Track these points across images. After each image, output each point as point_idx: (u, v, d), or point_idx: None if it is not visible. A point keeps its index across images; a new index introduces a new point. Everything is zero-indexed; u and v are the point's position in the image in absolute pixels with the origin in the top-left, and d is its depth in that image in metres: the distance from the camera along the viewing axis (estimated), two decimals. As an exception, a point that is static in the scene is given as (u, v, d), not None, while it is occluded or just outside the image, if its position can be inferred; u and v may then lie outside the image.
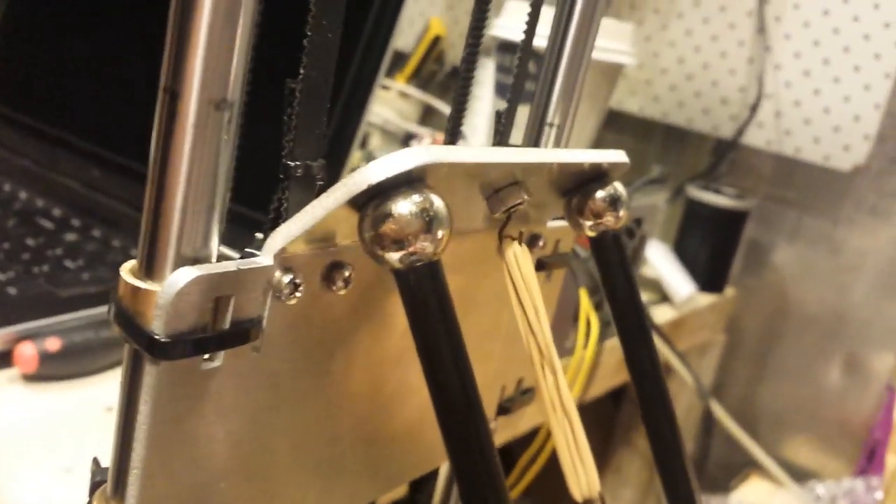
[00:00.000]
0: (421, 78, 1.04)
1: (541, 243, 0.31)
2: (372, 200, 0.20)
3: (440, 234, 0.21)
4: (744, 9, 0.90)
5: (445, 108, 0.97)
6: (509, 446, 0.63)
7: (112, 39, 0.69)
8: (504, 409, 0.33)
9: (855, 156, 0.86)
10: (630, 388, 0.86)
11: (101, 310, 0.45)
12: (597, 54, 0.32)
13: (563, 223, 0.31)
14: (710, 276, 0.87)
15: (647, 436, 0.30)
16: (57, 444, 0.37)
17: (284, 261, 0.21)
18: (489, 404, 0.33)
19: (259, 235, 0.22)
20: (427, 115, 1.01)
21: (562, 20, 0.31)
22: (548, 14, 0.30)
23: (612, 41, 0.77)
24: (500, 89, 0.82)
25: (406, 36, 1.06)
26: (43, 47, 0.74)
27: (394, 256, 0.21)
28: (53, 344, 0.41)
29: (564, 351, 0.61)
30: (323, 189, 0.22)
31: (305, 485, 0.25)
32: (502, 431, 0.34)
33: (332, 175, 0.53)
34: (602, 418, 0.91)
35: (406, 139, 0.90)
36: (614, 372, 0.67)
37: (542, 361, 0.26)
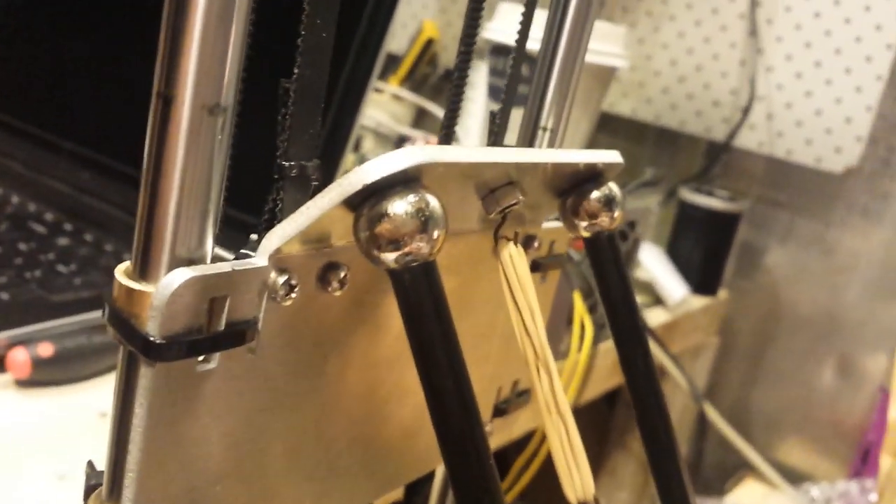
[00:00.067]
0: (414, 81, 1.04)
1: (536, 244, 0.31)
2: (367, 200, 0.20)
3: (436, 234, 0.21)
4: (736, 11, 0.91)
5: (438, 111, 0.98)
6: (504, 450, 0.63)
7: (104, 43, 0.69)
8: (500, 410, 0.33)
9: (847, 158, 0.86)
10: (624, 391, 0.86)
11: (94, 315, 0.45)
12: (589, 57, 0.32)
13: (557, 224, 0.31)
14: (703, 279, 0.87)
15: (642, 438, 0.30)
16: (50, 450, 0.36)
17: (279, 261, 0.21)
18: (485, 406, 0.33)
19: (254, 237, 0.22)
20: (420, 118, 1.01)
21: (555, 23, 0.31)
22: (540, 17, 0.30)
23: (605, 44, 0.77)
24: (493, 92, 0.82)
25: (399, 38, 1.06)
26: (35, 51, 0.74)
27: (389, 257, 0.21)
28: (46, 349, 0.40)
29: (559, 354, 0.61)
30: (318, 190, 0.22)
31: (301, 487, 0.25)
32: (498, 433, 0.34)
33: (326, 178, 0.53)
34: (597, 421, 0.91)
35: (399, 142, 0.90)
36: (609, 375, 0.67)
37: (537, 363, 0.26)
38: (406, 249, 0.20)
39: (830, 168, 0.87)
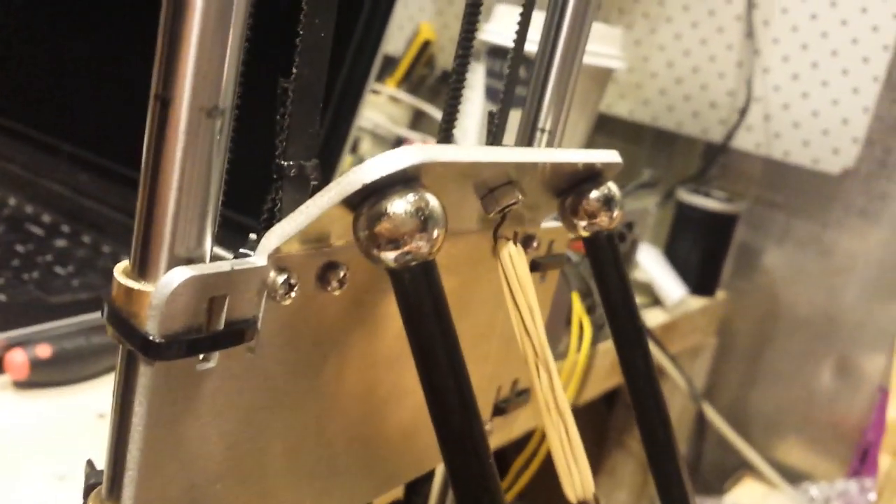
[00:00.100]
0: (411, 82, 1.04)
1: (535, 244, 0.31)
2: (367, 200, 0.20)
3: (435, 233, 0.21)
4: (732, 13, 0.91)
5: (435, 113, 0.98)
6: (503, 450, 0.63)
7: (101, 45, 0.69)
8: (500, 409, 0.33)
9: (844, 159, 0.86)
10: (623, 391, 0.86)
11: (92, 316, 0.45)
12: (587, 58, 0.32)
13: (556, 224, 0.31)
14: (701, 280, 0.87)
15: (641, 438, 0.30)
16: (49, 451, 0.36)
17: (279, 261, 0.21)
18: (485, 405, 0.33)
19: (253, 236, 0.22)
20: (417, 120, 1.01)
21: (552, 25, 0.31)
22: (538, 19, 0.30)
23: (602, 45, 0.77)
24: (490, 93, 0.82)
25: (396, 40, 1.06)
26: (33, 53, 0.74)
27: (389, 256, 0.21)
28: (44, 351, 0.40)
29: (557, 355, 0.61)
30: (316, 189, 0.22)
31: (301, 486, 0.25)
32: (498, 433, 0.34)
33: (324, 180, 0.53)
34: (595, 421, 0.91)
35: (396, 143, 0.90)
36: (607, 375, 0.67)
37: (537, 362, 0.26)
38: (406, 249, 0.20)
39: (827, 169, 0.87)
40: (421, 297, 0.21)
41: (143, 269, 0.19)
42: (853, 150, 0.85)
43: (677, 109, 0.95)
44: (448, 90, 0.29)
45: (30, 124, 0.71)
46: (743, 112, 0.90)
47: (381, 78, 1.02)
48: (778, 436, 0.93)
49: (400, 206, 0.20)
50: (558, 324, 0.61)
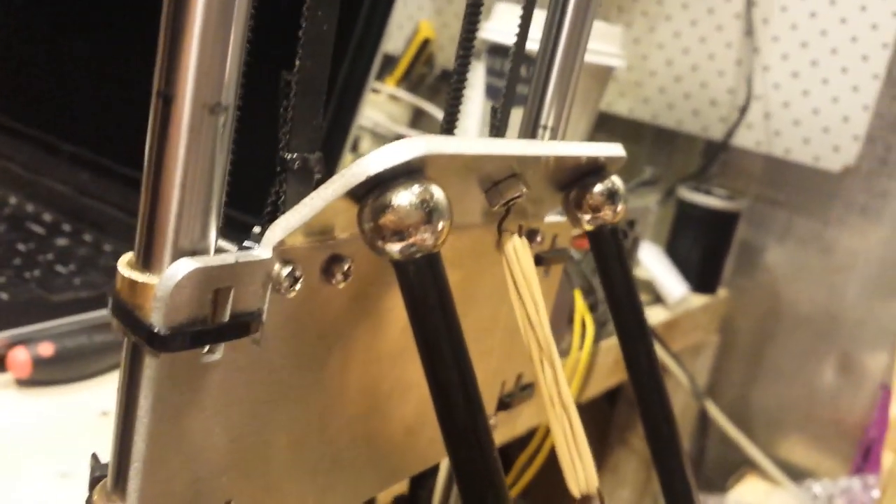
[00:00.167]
0: (411, 81, 1.04)
1: (539, 238, 0.31)
2: (371, 192, 0.20)
3: (440, 225, 0.21)
4: (731, 11, 0.91)
5: (435, 111, 0.98)
6: (507, 447, 0.63)
7: (102, 43, 0.69)
8: (504, 404, 0.33)
9: (844, 156, 0.86)
10: (625, 389, 0.86)
11: (94, 314, 0.45)
12: (587, 57, 0.32)
13: (560, 218, 0.31)
14: (702, 277, 0.87)
15: (645, 432, 0.30)
16: (51, 449, 0.36)
17: (283, 253, 0.21)
18: (489, 400, 0.33)
19: (256, 229, 0.22)
20: (417, 118, 1.01)
21: (554, 22, 0.31)
22: (538, 17, 0.30)
23: (602, 43, 0.77)
24: (491, 92, 0.82)
25: (395, 39, 1.06)
26: (32, 51, 0.74)
27: (394, 248, 0.21)
28: (46, 349, 0.40)
29: (560, 352, 0.61)
30: (320, 182, 0.22)
31: (305, 481, 0.24)
32: (502, 428, 0.34)
33: (326, 176, 0.53)
34: (598, 419, 0.91)
35: (397, 143, 0.89)
36: (610, 372, 0.67)
37: (541, 356, 0.26)
38: (410, 241, 0.20)
39: (828, 167, 0.87)
40: (426, 289, 0.21)
41: (147, 261, 0.19)
42: (854, 148, 0.85)
43: (677, 107, 0.95)
44: (449, 90, 0.29)
45: (31, 123, 0.71)
46: (743, 110, 0.90)
47: (380, 77, 1.02)
48: (780, 433, 0.93)
49: (405, 197, 0.20)
50: (560, 321, 0.61)
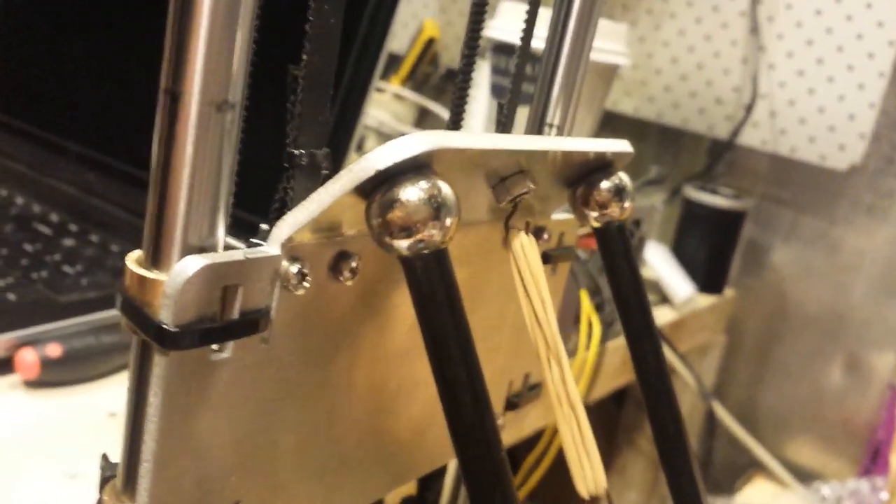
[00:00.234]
0: (415, 80, 1.04)
1: (546, 236, 0.30)
2: (379, 187, 0.20)
3: (448, 221, 0.21)
4: (736, 9, 0.91)
5: (440, 110, 0.98)
6: (514, 448, 0.63)
7: (107, 42, 0.69)
8: (512, 404, 0.33)
9: (851, 155, 0.86)
10: (632, 389, 0.85)
11: (102, 315, 0.45)
12: (592, 55, 0.32)
13: (567, 216, 0.31)
14: (709, 277, 0.87)
15: (652, 432, 0.30)
16: (60, 449, 0.36)
17: (292, 250, 0.20)
18: (497, 399, 0.32)
19: (264, 226, 0.22)
20: (422, 118, 1.01)
21: (559, 20, 0.31)
22: (544, 15, 0.30)
23: (607, 42, 0.77)
24: (496, 90, 0.82)
25: (400, 38, 1.06)
26: (38, 51, 0.74)
27: (401, 244, 0.20)
28: (54, 350, 0.40)
29: (567, 352, 0.61)
30: (327, 179, 0.22)
31: (312, 481, 0.24)
32: (509, 429, 0.34)
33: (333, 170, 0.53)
34: (605, 420, 0.91)
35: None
36: (617, 373, 0.67)
37: (549, 354, 0.26)
38: (418, 236, 0.20)
39: (834, 165, 0.87)
40: (433, 285, 0.21)
41: (156, 259, 0.19)
42: (860, 147, 0.85)
43: (682, 106, 0.95)
44: (455, 89, 0.29)
45: (37, 124, 0.71)
46: (749, 108, 0.90)
47: (385, 76, 1.02)
48: (788, 434, 0.92)
49: (412, 193, 0.20)
50: (567, 322, 0.61)
